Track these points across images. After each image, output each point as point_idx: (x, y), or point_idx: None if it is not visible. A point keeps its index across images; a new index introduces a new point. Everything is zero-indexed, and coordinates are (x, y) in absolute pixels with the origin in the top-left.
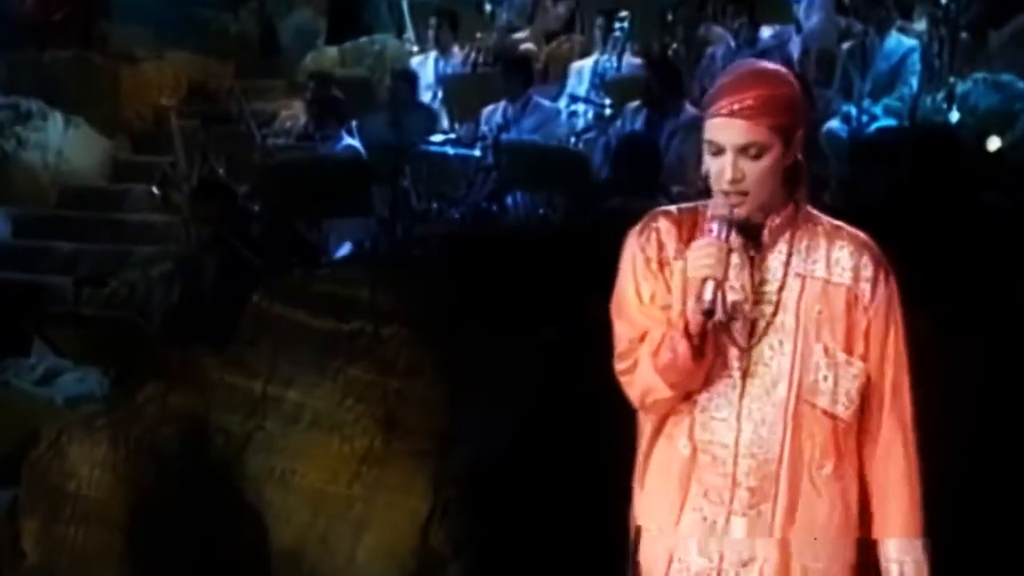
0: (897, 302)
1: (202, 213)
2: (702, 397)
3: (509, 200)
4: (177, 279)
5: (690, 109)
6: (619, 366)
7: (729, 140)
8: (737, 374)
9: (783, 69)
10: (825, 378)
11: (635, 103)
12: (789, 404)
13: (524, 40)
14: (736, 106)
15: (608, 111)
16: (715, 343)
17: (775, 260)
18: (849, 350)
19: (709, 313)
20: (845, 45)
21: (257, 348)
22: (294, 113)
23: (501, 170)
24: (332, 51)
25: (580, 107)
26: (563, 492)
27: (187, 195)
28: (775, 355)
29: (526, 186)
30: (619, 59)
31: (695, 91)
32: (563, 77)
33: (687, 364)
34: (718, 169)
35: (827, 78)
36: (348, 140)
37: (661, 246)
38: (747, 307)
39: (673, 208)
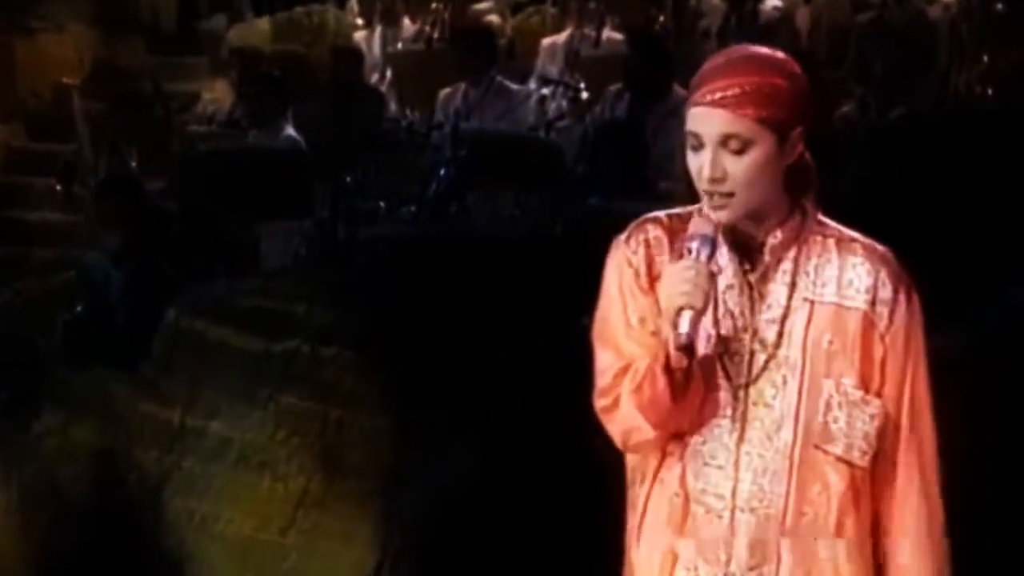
0: (919, 327)
1: (108, 214)
2: (694, 440)
3: (470, 199)
4: (81, 290)
5: (680, 93)
6: (600, 402)
7: (708, 131)
8: (734, 415)
9: (783, 56)
10: (836, 420)
11: (616, 86)
12: (795, 451)
13: (487, 12)
14: (718, 94)
15: (585, 95)
16: (707, 379)
17: (778, 282)
18: (865, 386)
19: (687, 348)
20: (861, 18)
21: (175, 372)
22: (218, 96)
23: (461, 164)
24: (262, 23)
25: (552, 90)
26: (532, 541)
27: (93, 191)
28: (778, 393)
29: (490, 182)
30: (597, 34)
31: (686, 72)
32: (532, 55)
33: (666, 403)
34: (697, 166)
35: (840, 57)
36: (290, 131)
37: (651, 260)
38: (745, 338)
39: (664, 214)
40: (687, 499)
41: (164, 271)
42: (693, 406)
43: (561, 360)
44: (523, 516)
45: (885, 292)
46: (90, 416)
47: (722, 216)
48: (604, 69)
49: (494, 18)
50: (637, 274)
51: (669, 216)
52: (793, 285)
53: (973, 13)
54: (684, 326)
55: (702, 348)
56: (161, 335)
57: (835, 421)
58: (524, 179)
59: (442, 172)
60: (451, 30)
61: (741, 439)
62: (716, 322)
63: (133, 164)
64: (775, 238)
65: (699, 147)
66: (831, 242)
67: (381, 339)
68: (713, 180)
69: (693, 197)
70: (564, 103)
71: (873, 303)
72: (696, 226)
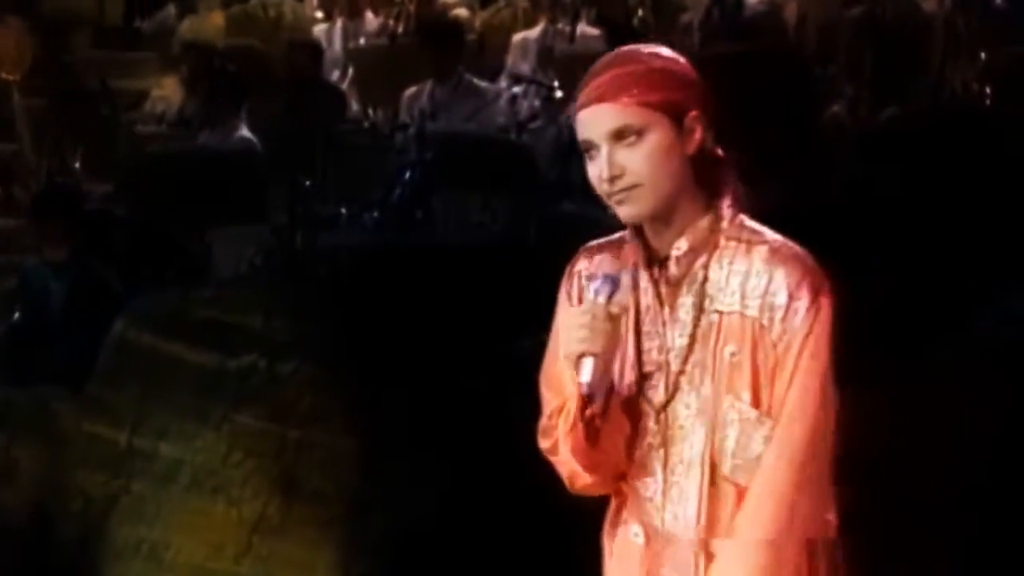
0: (820, 334)
1: (46, 231)
2: (631, 475)
3: (437, 204)
4: (20, 300)
5: None
6: (542, 444)
7: (597, 131)
8: (657, 441)
9: (663, 47)
10: (728, 438)
11: None
12: (704, 475)
13: (454, 5)
14: (596, 92)
15: (559, 94)
16: (630, 413)
17: (687, 295)
18: (756, 401)
19: (589, 398)
20: (851, 12)
21: (121, 390)
22: (167, 94)
23: (427, 167)
24: (215, 16)
25: (524, 89)
26: (502, 570)
27: (30, 202)
28: (690, 414)
29: (458, 186)
30: (572, 29)
31: None
32: (503, 52)
33: (582, 447)
34: (596, 172)
35: (829, 53)
36: (244, 131)
37: (581, 294)
38: (661, 358)
39: (595, 243)
40: (648, 538)
41: (109, 281)
42: (616, 447)
43: (533, 377)
44: (490, 543)
45: (779, 297)
46: (30, 437)
47: (631, 212)
48: (579, 66)
49: (462, 12)
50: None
51: (602, 245)
52: (702, 297)
53: (970, 7)
54: (585, 375)
55: (621, 384)
56: (106, 349)
57: (727, 439)
58: (494, 183)
59: (407, 176)
60: (417, 24)
61: (665, 466)
62: (638, 348)
63: (77, 166)
64: (678, 249)
65: (594, 153)
66: (743, 247)
67: (343, 354)
68: (612, 179)
69: None
70: (537, 102)
71: (763, 309)
72: (599, 265)
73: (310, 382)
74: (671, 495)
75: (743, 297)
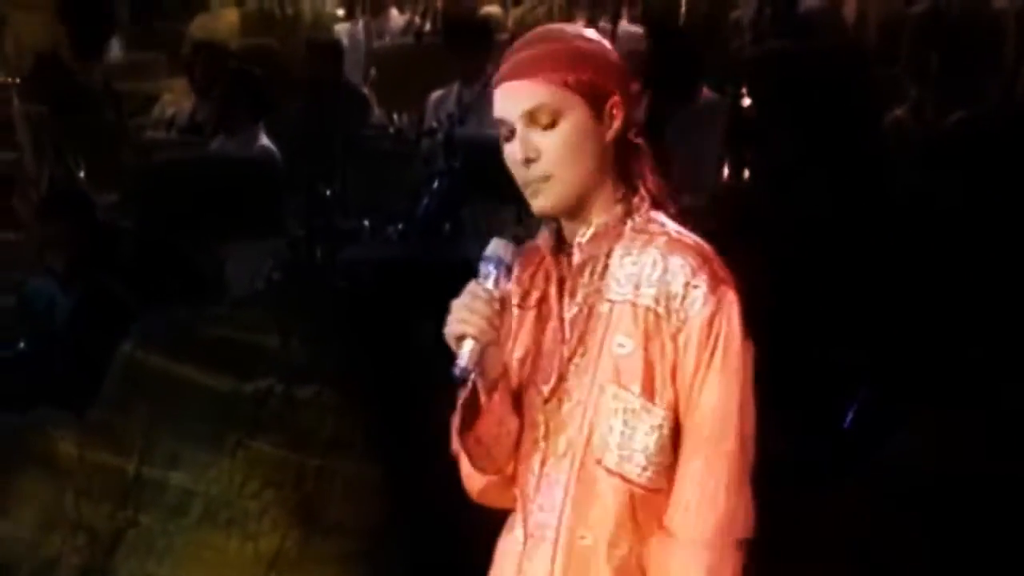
0: (725, 329)
1: (52, 235)
2: (520, 470)
3: (467, 215)
4: (22, 319)
5: (708, 95)
6: (454, 448)
7: (512, 109)
8: (541, 433)
9: (589, 29)
10: (611, 429)
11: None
12: (573, 466)
13: (485, 1)
14: (513, 68)
15: None
16: (516, 406)
17: (586, 285)
18: (649, 393)
19: (462, 380)
20: (915, 9)
21: (129, 414)
22: (177, 97)
23: (456, 176)
24: (228, 14)
25: None
26: None
27: (35, 207)
28: (571, 405)
29: (488, 196)
30: (613, 27)
31: (715, 71)
32: None
33: (462, 443)
34: (511, 154)
35: (891, 52)
36: (265, 140)
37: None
38: (553, 348)
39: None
40: (527, 537)
41: (117, 298)
42: (498, 442)
43: None
44: None
45: (675, 286)
46: (30, 465)
47: (543, 204)
48: None
49: (494, 9)
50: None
51: (518, 250)
52: (600, 287)
53: None
54: (463, 358)
55: (513, 373)
56: (113, 371)
57: (610, 431)
58: None
59: (434, 185)
60: (444, 22)
61: (544, 460)
62: (538, 338)
63: (81, 175)
64: (583, 236)
65: (509, 134)
66: (644, 238)
67: (366, 377)
68: (527, 161)
69: (716, 213)
70: None
71: (658, 298)
72: (491, 247)
73: (331, 406)
74: (541, 487)
75: (636, 287)
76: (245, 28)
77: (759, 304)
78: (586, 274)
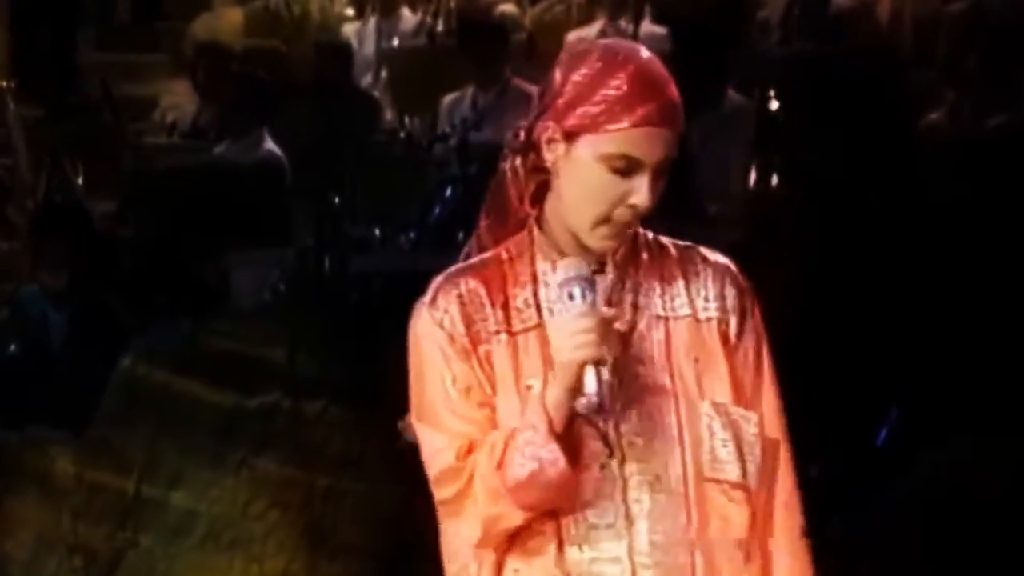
0: (764, 337)
1: (47, 253)
2: (571, 506)
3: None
4: (16, 333)
5: (735, 98)
6: (441, 494)
7: (651, 155)
8: (612, 461)
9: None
10: (725, 443)
11: None
12: (689, 487)
13: (501, 0)
14: (663, 113)
15: None
16: (577, 432)
17: (625, 303)
18: (739, 399)
19: (600, 409)
20: (952, 8)
21: (129, 432)
22: (179, 101)
23: (470, 183)
24: (232, 14)
25: None
26: None
27: (28, 220)
28: (656, 426)
29: None
30: (635, 27)
31: (741, 72)
32: (556, 53)
33: (563, 476)
34: (621, 192)
35: (928, 53)
36: (271, 145)
37: (468, 318)
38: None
39: (469, 264)
40: (634, 572)
41: (116, 311)
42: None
43: None
44: None
45: (732, 299)
46: (26, 485)
47: (614, 245)
48: None
49: (510, 8)
50: (452, 338)
51: (481, 262)
52: (637, 303)
53: None
54: (592, 385)
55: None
56: (112, 387)
57: (724, 445)
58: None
59: (447, 193)
60: (458, 22)
61: (626, 486)
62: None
63: (79, 182)
64: (618, 254)
65: (630, 172)
66: (669, 251)
67: (376, 392)
68: (643, 212)
69: (744, 222)
70: None
71: (724, 310)
72: (569, 268)
73: (340, 423)
74: (645, 515)
75: (691, 300)
76: (250, 28)
77: (791, 315)
78: (622, 293)
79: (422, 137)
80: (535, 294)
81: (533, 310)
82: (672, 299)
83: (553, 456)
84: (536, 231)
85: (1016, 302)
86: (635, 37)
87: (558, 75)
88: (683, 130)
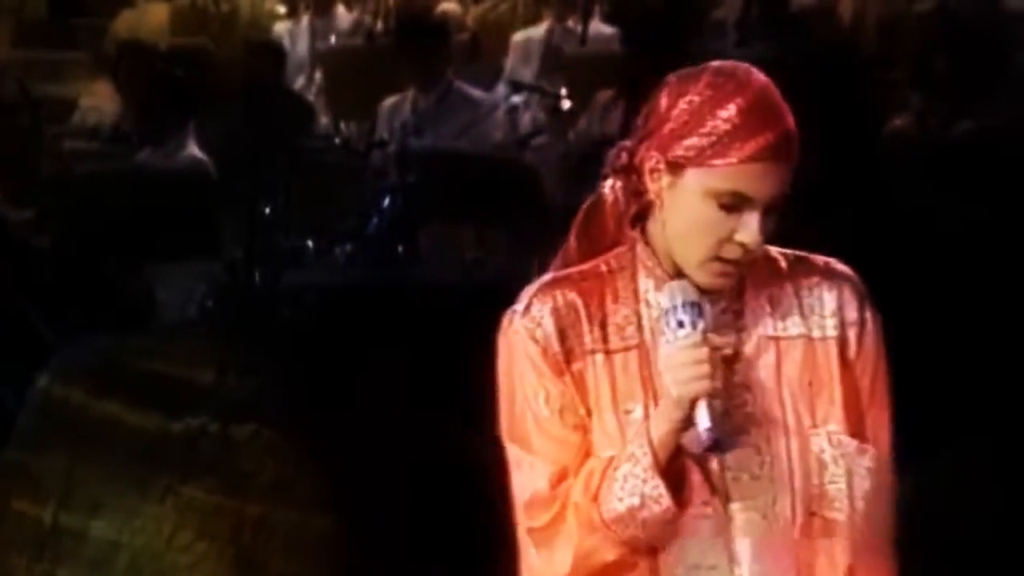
0: (883, 354)
1: None
2: (673, 543)
3: (422, 237)
4: None
5: None
6: (532, 521)
7: (763, 192)
8: (716, 497)
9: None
10: (835, 479)
11: (607, 92)
12: (797, 526)
13: None
14: (778, 148)
15: (567, 104)
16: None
17: (729, 325)
18: (852, 428)
19: (716, 445)
20: (919, 7)
21: (46, 457)
22: (100, 103)
23: (410, 192)
24: (157, 10)
25: (526, 98)
26: None
27: None
28: (763, 460)
29: (447, 215)
30: (584, 27)
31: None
32: (501, 54)
33: (666, 514)
34: (727, 229)
35: (892, 55)
36: (194, 150)
37: (563, 335)
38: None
39: (566, 274)
40: None
41: (32, 326)
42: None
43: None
44: None
45: (851, 313)
46: None
47: (725, 284)
48: (592, 72)
49: (452, 7)
50: (546, 352)
51: (580, 273)
52: (744, 325)
53: None
54: (705, 420)
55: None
56: (28, 408)
57: (833, 481)
58: (490, 212)
59: (386, 202)
60: (397, 21)
61: (730, 525)
62: (649, 381)
63: None
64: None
65: (737, 208)
66: (777, 264)
67: (310, 415)
68: (752, 250)
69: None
70: (541, 115)
71: (843, 326)
72: (675, 292)
73: (271, 448)
74: (757, 556)
75: (804, 317)
76: (175, 26)
77: None
78: (727, 314)
79: (359, 143)
80: (637, 312)
81: (634, 328)
82: (783, 318)
83: (657, 493)
84: (640, 246)
85: (991, 308)
86: (584, 38)
87: (664, 99)
88: (797, 162)
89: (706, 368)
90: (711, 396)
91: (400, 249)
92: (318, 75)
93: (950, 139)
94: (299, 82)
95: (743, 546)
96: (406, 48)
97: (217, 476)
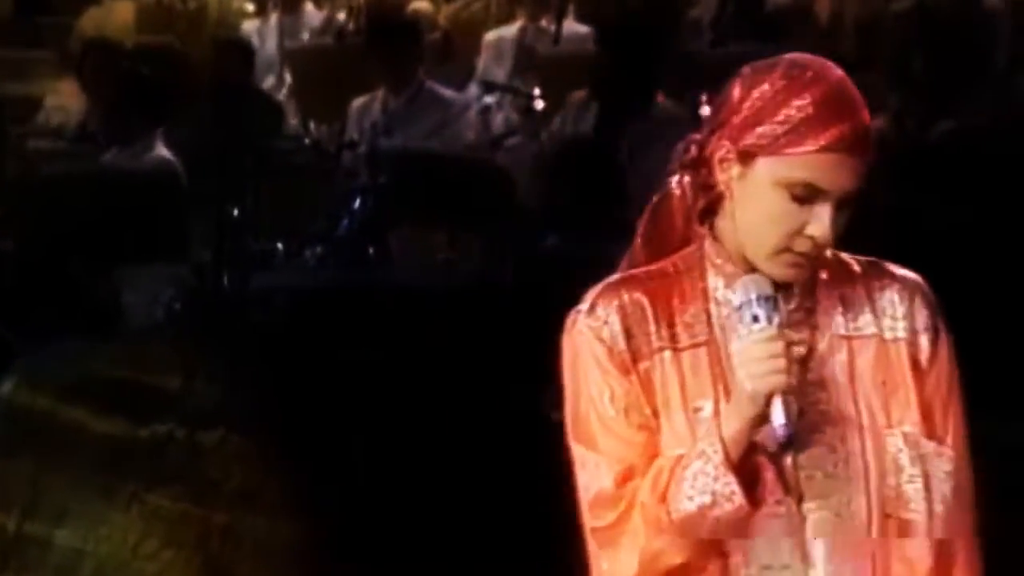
0: (957, 368)
1: None
2: (743, 544)
3: (393, 239)
4: None
5: (664, 104)
6: (597, 521)
7: (836, 185)
8: (788, 496)
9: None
10: (912, 479)
11: (581, 93)
12: (872, 526)
13: None
14: (853, 140)
15: (540, 105)
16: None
17: (802, 323)
18: (929, 431)
19: (790, 441)
20: (897, 6)
21: (10, 465)
22: (65, 102)
23: (381, 193)
24: (124, 8)
25: (499, 99)
26: None
27: None
28: (838, 458)
29: (418, 217)
30: (557, 27)
31: (671, 76)
32: (473, 53)
33: (739, 512)
34: (798, 222)
35: (870, 55)
36: (161, 150)
37: (629, 334)
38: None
39: (632, 274)
40: None
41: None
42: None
43: (522, 445)
44: None
45: (923, 319)
46: None
47: (798, 276)
48: (565, 72)
49: (424, 5)
50: (611, 352)
51: (646, 274)
52: (817, 324)
53: None
54: (780, 416)
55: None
56: None
57: (911, 481)
58: (462, 213)
59: (356, 204)
60: (367, 20)
61: (804, 525)
62: (719, 378)
63: None
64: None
65: (809, 200)
66: (851, 267)
67: (280, 421)
68: (823, 245)
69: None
70: (514, 115)
71: (914, 331)
72: (750, 287)
73: (239, 455)
74: (830, 557)
75: (876, 318)
76: (142, 24)
77: None
78: (800, 311)
79: (329, 144)
80: (706, 311)
81: (703, 325)
82: (855, 318)
83: (729, 490)
84: (708, 242)
85: (972, 308)
86: (557, 37)
87: (737, 90)
88: (872, 159)
89: (782, 362)
90: (785, 392)
91: (371, 251)
92: (287, 75)
93: (929, 140)
94: (268, 82)
95: (817, 546)
96: (377, 47)
97: (184, 483)
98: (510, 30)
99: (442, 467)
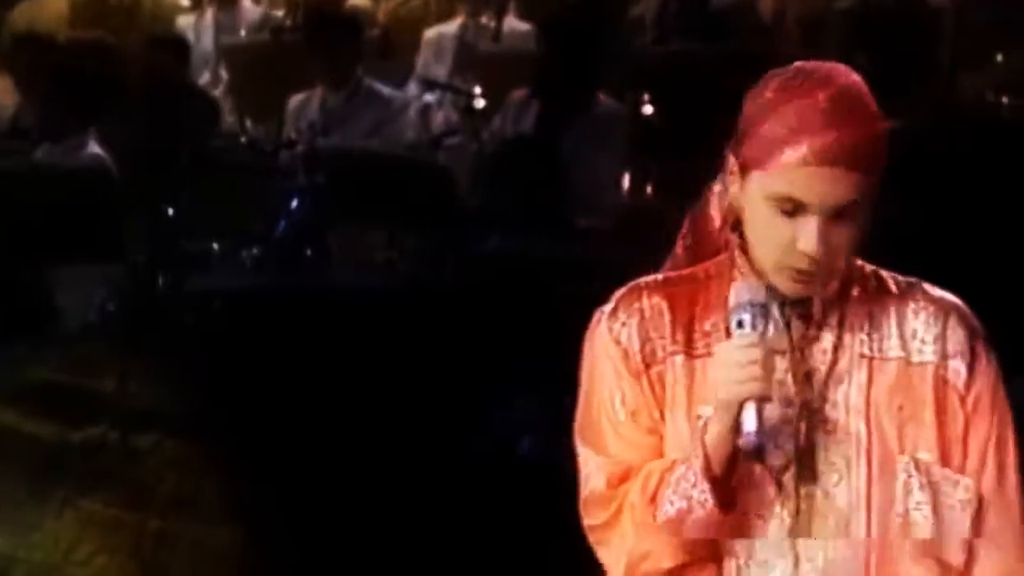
0: (1002, 386)
1: None
2: (734, 558)
3: (331, 239)
4: None
5: (605, 102)
6: (590, 519)
7: (819, 199)
8: (785, 512)
9: (860, 79)
10: (920, 506)
11: (521, 91)
12: (871, 550)
13: None
14: (833, 152)
15: (481, 103)
16: (747, 473)
17: (824, 340)
18: (948, 460)
19: (758, 451)
20: (841, 4)
21: None
22: None
23: (318, 193)
24: (57, 1)
25: (439, 97)
26: None
27: None
28: (842, 478)
29: (357, 217)
30: (498, 24)
31: (612, 74)
32: (413, 51)
33: (712, 519)
34: (788, 236)
35: (814, 53)
36: (94, 147)
37: (646, 336)
38: (789, 412)
39: (659, 277)
40: None
41: None
42: (735, 517)
43: (464, 453)
44: None
45: (957, 342)
46: None
47: (806, 291)
48: (506, 70)
49: (362, 1)
50: (626, 354)
51: (677, 277)
52: (840, 340)
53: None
54: (751, 423)
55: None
56: None
57: (918, 507)
58: (402, 213)
59: (294, 204)
60: (305, 16)
61: (799, 541)
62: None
63: None
64: (827, 290)
65: (796, 213)
66: (887, 286)
67: (215, 425)
68: (816, 260)
69: (616, 238)
70: (454, 114)
71: (944, 355)
72: (741, 292)
73: (174, 459)
74: (819, 573)
75: (903, 340)
76: (75, 18)
77: None
78: (825, 328)
79: (266, 142)
80: (725, 320)
81: (721, 334)
82: (881, 338)
83: (703, 497)
84: (738, 252)
85: None
86: (498, 35)
87: (749, 97)
88: (871, 173)
89: (756, 370)
90: (761, 400)
91: (309, 252)
92: (223, 71)
93: None
94: (203, 78)
95: (810, 566)
96: (315, 44)
97: (117, 488)
98: (450, 27)
99: (379, 469)
